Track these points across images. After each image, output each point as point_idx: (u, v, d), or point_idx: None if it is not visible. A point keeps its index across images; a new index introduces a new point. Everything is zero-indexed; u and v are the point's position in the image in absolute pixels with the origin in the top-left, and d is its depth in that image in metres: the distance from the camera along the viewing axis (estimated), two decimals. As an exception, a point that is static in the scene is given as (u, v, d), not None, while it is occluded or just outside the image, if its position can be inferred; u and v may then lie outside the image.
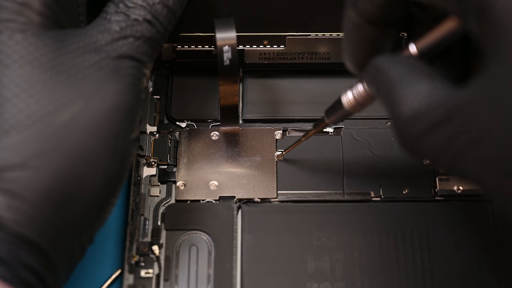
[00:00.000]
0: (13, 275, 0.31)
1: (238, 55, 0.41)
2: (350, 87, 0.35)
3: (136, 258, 0.41)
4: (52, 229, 0.32)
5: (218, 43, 0.40)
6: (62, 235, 0.32)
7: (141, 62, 0.35)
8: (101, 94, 0.33)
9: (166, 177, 0.44)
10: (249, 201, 0.43)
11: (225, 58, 0.40)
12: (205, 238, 0.42)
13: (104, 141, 0.33)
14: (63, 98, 0.32)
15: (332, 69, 0.47)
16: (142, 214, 0.42)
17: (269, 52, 0.45)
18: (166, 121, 0.46)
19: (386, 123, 0.45)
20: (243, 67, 0.46)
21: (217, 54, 0.40)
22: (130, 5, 0.36)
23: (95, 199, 0.33)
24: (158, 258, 0.41)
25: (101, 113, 0.33)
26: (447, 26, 0.31)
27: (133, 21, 0.35)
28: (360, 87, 0.35)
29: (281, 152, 0.44)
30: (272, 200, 0.43)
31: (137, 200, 0.43)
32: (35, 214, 0.31)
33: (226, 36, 0.40)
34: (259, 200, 0.43)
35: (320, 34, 0.45)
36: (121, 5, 0.36)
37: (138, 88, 0.35)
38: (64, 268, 0.33)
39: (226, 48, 0.40)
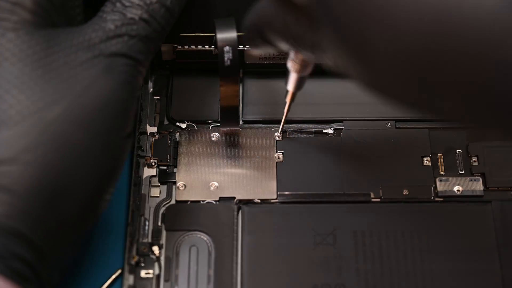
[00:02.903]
0: (6, 266, 0.31)
1: (239, 55, 0.41)
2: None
3: (136, 259, 0.41)
4: (43, 223, 0.32)
5: (219, 43, 0.40)
6: (53, 229, 0.33)
7: (136, 60, 0.35)
8: (92, 90, 0.34)
9: (166, 178, 0.44)
10: (249, 202, 0.43)
11: (225, 58, 0.40)
12: (205, 238, 0.42)
13: (95, 136, 0.33)
14: (54, 94, 0.33)
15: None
16: (142, 215, 0.42)
17: (269, 53, 0.45)
18: (166, 122, 0.46)
19: (386, 124, 0.45)
20: (243, 68, 0.46)
21: (218, 54, 0.40)
22: (127, 4, 0.36)
23: (87, 194, 0.34)
24: (158, 258, 0.41)
25: (92, 109, 0.33)
26: None
27: (129, 20, 0.36)
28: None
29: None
30: (272, 201, 0.43)
31: (137, 200, 0.43)
32: (26, 208, 0.32)
33: (226, 36, 0.40)
34: (259, 201, 0.43)
35: (320, 35, 0.45)
36: (118, 4, 0.36)
37: (132, 85, 0.35)
38: (57, 263, 0.34)
39: (226, 48, 0.40)
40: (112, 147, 0.34)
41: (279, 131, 0.45)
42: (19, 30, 0.34)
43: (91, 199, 0.34)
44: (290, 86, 0.40)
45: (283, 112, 0.43)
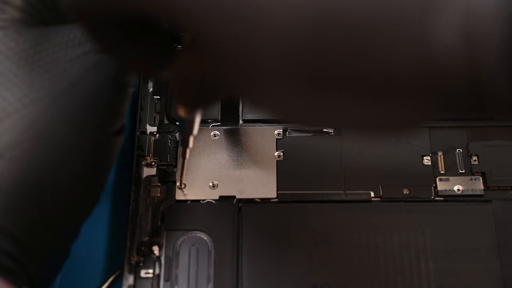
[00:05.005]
0: None
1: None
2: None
3: (136, 258, 0.41)
4: (27, 219, 0.32)
5: None
6: (39, 226, 0.33)
7: None
8: (79, 86, 0.34)
9: (166, 177, 0.44)
10: (249, 201, 0.43)
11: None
12: (205, 238, 0.42)
13: (81, 133, 0.33)
14: (40, 91, 0.33)
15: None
16: (142, 214, 0.42)
17: None
18: (166, 122, 0.46)
19: (386, 123, 0.45)
20: (243, 67, 0.46)
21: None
22: None
23: (74, 191, 0.34)
24: (158, 258, 0.41)
25: (78, 105, 0.33)
26: None
27: None
28: None
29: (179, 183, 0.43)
30: (272, 200, 0.43)
31: (137, 200, 0.43)
32: (9, 203, 0.32)
33: None
34: (259, 200, 0.43)
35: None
36: None
37: (123, 82, 0.35)
38: (45, 258, 0.34)
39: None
40: (99, 144, 0.34)
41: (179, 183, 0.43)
42: (8, 28, 0.34)
43: (78, 195, 0.34)
44: (186, 133, 0.38)
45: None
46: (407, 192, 0.43)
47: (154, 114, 0.46)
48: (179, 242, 0.42)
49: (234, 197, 0.43)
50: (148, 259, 0.41)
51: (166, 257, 0.41)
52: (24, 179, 0.32)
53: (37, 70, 0.33)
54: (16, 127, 0.32)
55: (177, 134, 0.45)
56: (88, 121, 0.34)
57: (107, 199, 0.45)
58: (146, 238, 0.42)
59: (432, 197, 0.43)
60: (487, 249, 0.41)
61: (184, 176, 0.43)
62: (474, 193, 0.43)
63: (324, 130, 0.45)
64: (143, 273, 0.41)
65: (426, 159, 0.44)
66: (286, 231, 0.42)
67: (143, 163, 0.44)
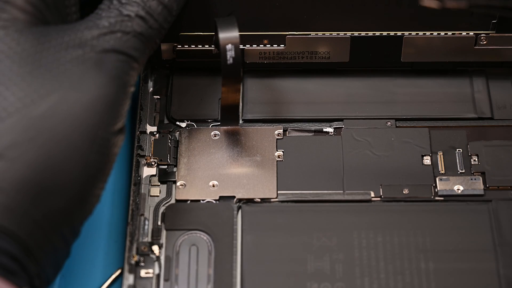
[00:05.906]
0: None
1: (241, 54, 0.41)
2: None
3: (136, 258, 0.41)
4: (29, 219, 0.32)
5: (221, 42, 0.40)
6: (41, 226, 0.33)
7: (129, 56, 0.36)
8: (80, 86, 0.34)
9: (166, 177, 0.44)
10: (249, 201, 0.43)
11: (228, 56, 0.40)
12: (205, 238, 0.42)
13: (83, 132, 0.33)
14: (41, 90, 0.33)
15: (332, 69, 0.47)
16: (142, 214, 0.42)
17: (269, 52, 0.45)
18: (166, 121, 0.46)
19: (386, 123, 0.45)
20: (243, 67, 0.46)
21: (221, 53, 0.40)
22: (124, 1, 0.36)
23: (75, 191, 0.34)
24: (158, 258, 0.41)
25: (80, 104, 0.33)
26: None
27: (124, 17, 0.36)
28: None
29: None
30: (272, 200, 0.43)
31: (137, 200, 0.43)
32: (11, 204, 0.32)
33: (229, 35, 0.40)
34: (259, 200, 0.43)
35: (320, 33, 0.45)
36: (114, 2, 0.36)
37: (124, 81, 0.35)
38: (47, 260, 0.34)
39: (229, 46, 0.40)
40: (101, 143, 0.34)
41: None
42: (9, 28, 0.34)
43: (79, 194, 0.34)
44: None
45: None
46: (407, 192, 0.43)
47: (154, 114, 0.46)
48: (179, 242, 0.42)
49: (234, 197, 0.43)
50: (148, 259, 0.41)
51: (166, 257, 0.41)
52: (25, 179, 0.32)
53: (38, 70, 0.33)
54: (17, 127, 0.32)
55: (177, 134, 0.45)
56: (89, 120, 0.34)
57: (107, 199, 0.45)
58: (146, 238, 0.42)
59: (432, 197, 0.43)
60: (487, 249, 0.41)
61: None
62: (474, 193, 0.43)
63: (324, 130, 0.45)
64: (143, 273, 0.41)
65: (426, 159, 0.44)
66: (286, 231, 0.42)
67: (143, 163, 0.44)
